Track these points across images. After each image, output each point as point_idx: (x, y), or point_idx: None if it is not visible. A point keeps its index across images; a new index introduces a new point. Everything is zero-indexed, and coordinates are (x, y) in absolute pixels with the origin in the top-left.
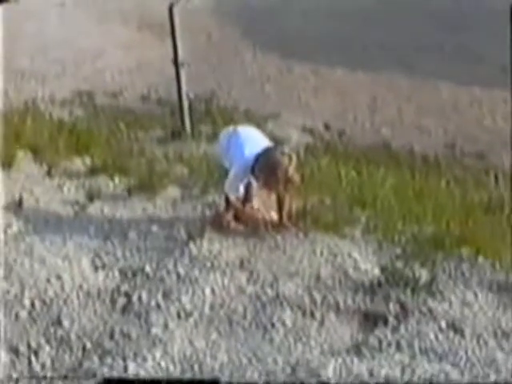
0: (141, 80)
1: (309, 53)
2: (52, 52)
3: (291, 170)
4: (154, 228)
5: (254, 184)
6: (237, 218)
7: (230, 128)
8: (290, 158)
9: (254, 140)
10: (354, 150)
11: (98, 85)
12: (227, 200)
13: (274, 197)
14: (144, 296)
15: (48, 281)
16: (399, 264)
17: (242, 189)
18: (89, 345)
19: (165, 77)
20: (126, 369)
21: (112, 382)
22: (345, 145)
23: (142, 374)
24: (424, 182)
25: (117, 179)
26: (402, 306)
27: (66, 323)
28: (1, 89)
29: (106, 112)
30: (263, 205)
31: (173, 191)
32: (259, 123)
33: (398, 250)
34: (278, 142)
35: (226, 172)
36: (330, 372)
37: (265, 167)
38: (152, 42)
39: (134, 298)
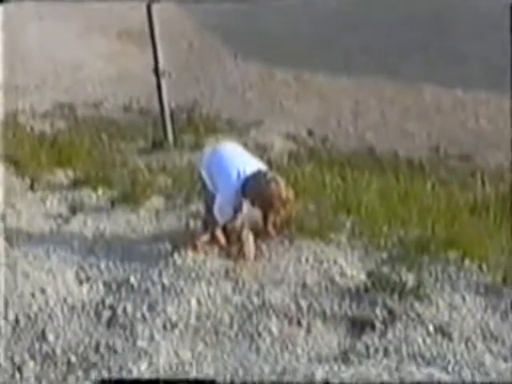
0: (122, 90)
1: (290, 58)
2: (32, 64)
3: (284, 194)
4: (138, 239)
5: (245, 206)
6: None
7: (210, 148)
8: (277, 182)
9: (237, 160)
10: (338, 156)
11: (78, 96)
12: (205, 221)
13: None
14: (129, 308)
15: (32, 295)
16: (385, 269)
17: (232, 212)
18: (74, 359)
19: (146, 87)
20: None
21: (108, 383)
22: (328, 151)
23: None
24: (409, 186)
25: (100, 191)
26: (389, 311)
27: (50, 338)
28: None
29: (87, 123)
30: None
31: (156, 202)
32: (242, 131)
33: (384, 255)
34: (261, 149)
35: (204, 186)
36: (317, 380)
37: (259, 197)
38: (133, 51)
39: (119, 311)
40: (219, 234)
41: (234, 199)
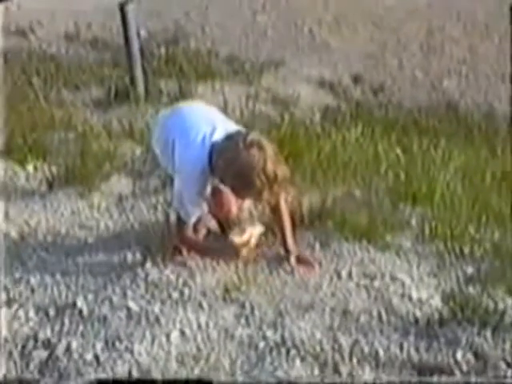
0: (64, 10)
1: None
2: None
3: (270, 166)
4: (90, 240)
5: (224, 189)
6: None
7: (169, 109)
8: (262, 148)
9: (205, 122)
10: (399, 115)
11: None
12: (179, 217)
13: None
14: (75, 346)
15: None
16: (472, 290)
17: (204, 206)
18: None
19: (102, 5)
20: None
21: (104, 382)
22: (384, 107)
23: None
24: (510, 162)
25: (30, 166)
26: (477, 355)
27: None
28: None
29: (10, 60)
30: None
31: (119, 183)
32: (251, 75)
33: (470, 269)
34: (280, 103)
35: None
36: None
37: (230, 168)
38: None
39: (60, 350)
40: (192, 238)
41: (200, 179)
